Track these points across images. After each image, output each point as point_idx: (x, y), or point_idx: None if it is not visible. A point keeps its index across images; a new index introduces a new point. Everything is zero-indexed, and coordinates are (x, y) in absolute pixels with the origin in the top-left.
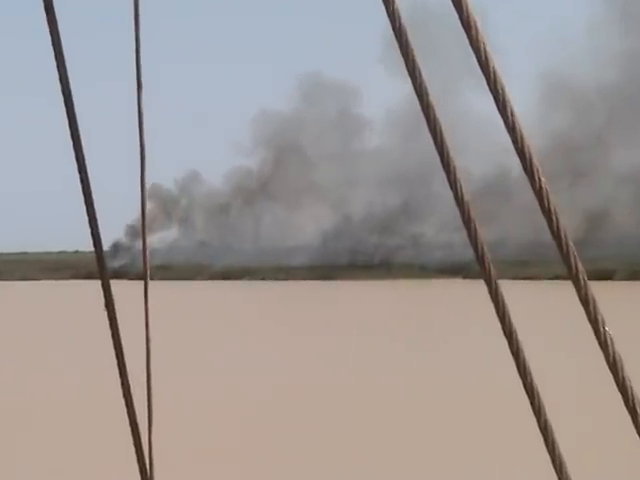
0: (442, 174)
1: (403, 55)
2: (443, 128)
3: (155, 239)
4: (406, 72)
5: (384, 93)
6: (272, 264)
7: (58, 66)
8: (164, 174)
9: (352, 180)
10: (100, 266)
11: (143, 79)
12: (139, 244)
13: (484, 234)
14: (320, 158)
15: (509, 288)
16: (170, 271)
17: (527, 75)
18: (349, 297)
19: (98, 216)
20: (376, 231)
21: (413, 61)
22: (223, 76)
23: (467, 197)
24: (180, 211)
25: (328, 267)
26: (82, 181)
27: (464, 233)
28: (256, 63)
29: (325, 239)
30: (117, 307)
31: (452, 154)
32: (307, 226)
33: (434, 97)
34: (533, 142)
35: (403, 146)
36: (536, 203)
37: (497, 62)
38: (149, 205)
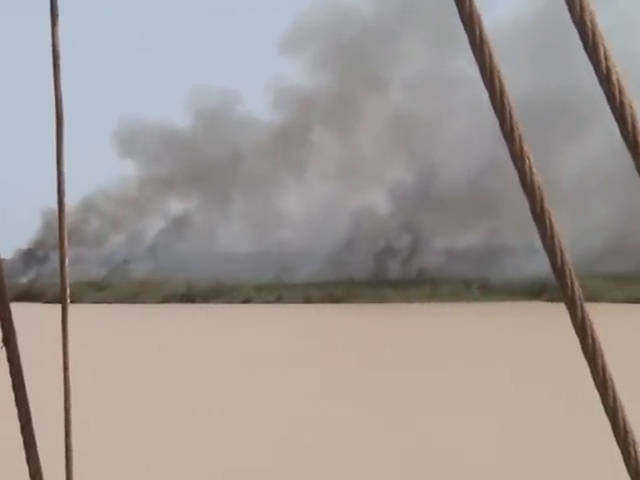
0: (593, 127)
1: None
2: (503, 75)
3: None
4: None
5: None
6: (268, 276)
7: None
8: (167, 109)
9: (442, 124)
10: None
11: None
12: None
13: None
14: (396, 85)
15: (610, 313)
16: (110, 290)
17: None
18: (371, 330)
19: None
20: (460, 212)
21: None
22: None
23: (539, 180)
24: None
25: (346, 283)
26: None
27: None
28: None
29: (376, 222)
30: (26, 340)
31: (517, 115)
32: (349, 202)
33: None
34: None
35: (529, 76)
36: None
37: None
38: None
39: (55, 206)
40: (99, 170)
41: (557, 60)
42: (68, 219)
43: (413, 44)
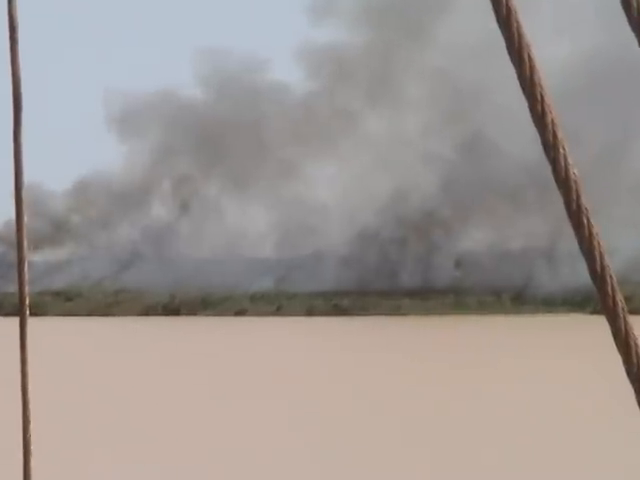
0: None
1: None
2: (531, 48)
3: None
4: None
5: None
6: (268, 283)
7: None
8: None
9: (492, 93)
10: None
11: None
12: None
13: None
14: (440, 48)
15: None
16: (80, 300)
17: None
18: (384, 347)
19: None
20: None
21: None
22: None
23: (575, 172)
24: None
25: (355, 292)
26: None
27: None
28: None
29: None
30: None
31: (549, 96)
32: (382, 185)
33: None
34: None
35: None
36: None
37: None
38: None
39: (42, 189)
40: (92, 151)
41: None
42: (57, 207)
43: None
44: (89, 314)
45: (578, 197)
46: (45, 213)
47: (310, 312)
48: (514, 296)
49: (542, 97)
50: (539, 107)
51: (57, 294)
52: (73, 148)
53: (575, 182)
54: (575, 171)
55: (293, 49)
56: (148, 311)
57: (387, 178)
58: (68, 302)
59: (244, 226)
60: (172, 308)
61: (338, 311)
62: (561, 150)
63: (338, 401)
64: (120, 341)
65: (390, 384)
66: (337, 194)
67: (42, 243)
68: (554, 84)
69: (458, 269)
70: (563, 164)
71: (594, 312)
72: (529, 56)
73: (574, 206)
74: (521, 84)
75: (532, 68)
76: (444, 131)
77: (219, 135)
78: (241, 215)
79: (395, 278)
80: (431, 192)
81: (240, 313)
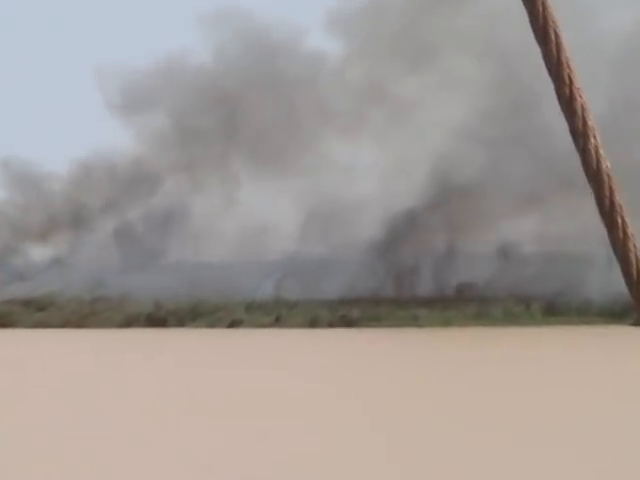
0: None
1: None
2: (559, 27)
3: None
4: None
5: None
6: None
7: None
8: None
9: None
10: None
11: None
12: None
13: None
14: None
15: None
16: (53, 309)
17: None
18: (397, 363)
19: None
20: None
21: None
22: None
23: (607, 164)
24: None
25: (365, 300)
26: None
27: None
28: None
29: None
30: None
31: (578, 80)
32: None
33: None
34: None
35: None
36: None
37: None
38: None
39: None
40: (90, 132)
41: None
42: (53, 194)
43: None
44: (63, 325)
45: (611, 193)
46: (41, 201)
47: (314, 323)
48: (545, 305)
49: (570, 79)
50: (567, 90)
51: (27, 303)
52: (70, 129)
53: (608, 175)
54: (607, 163)
55: (324, 13)
56: (130, 322)
57: (426, 158)
58: (39, 312)
59: (262, 217)
60: (157, 318)
61: (346, 322)
62: (592, 139)
63: (346, 422)
64: (98, 356)
65: (404, 403)
66: (371, 177)
67: (35, 236)
68: (619, 53)
69: (503, 261)
70: (594, 155)
71: (636, 324)
72: (555, 33)
73: (607, 203)
74: (546, 65)
75: (559, 47)
76: (489, 103)
77: (237, 110)
78: (259, 203)
79: (419, 278)
80: (474, 173)
81: (235, 324)
